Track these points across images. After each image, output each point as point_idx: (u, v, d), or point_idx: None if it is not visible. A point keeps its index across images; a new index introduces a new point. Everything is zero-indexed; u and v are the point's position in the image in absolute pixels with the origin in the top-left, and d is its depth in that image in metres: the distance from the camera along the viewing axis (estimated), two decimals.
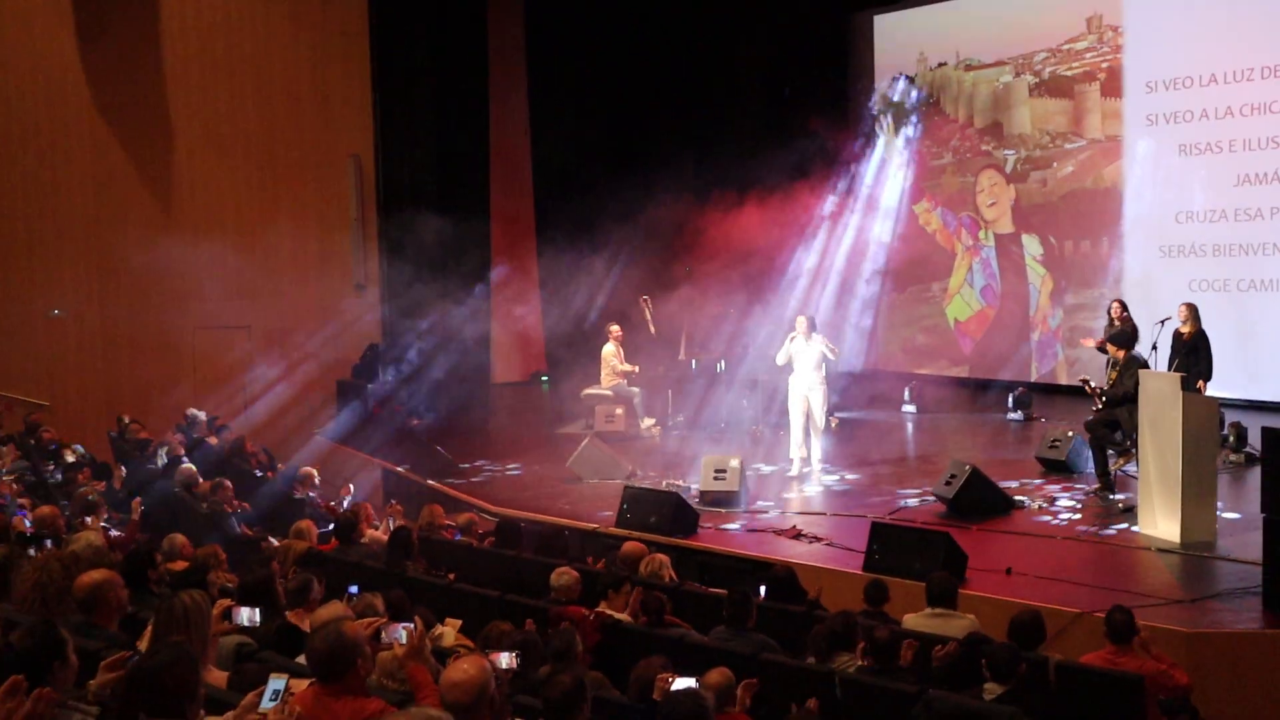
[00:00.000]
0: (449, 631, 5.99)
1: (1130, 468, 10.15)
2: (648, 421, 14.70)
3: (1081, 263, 15.80)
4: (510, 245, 17.70)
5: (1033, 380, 16.10)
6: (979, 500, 9.97)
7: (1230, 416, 11.51)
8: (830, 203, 17.32)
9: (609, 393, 14.72)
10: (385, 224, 17.50)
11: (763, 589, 7.34)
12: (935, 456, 13.03)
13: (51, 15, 17.92)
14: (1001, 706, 5.09)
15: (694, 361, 15.41)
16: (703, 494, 10.80)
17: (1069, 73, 15.69)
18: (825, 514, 10.43)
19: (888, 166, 17.67)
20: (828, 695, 5.54)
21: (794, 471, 11.76)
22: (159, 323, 16.97)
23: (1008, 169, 16.51)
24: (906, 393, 16.22)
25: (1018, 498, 10.38)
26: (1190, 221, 14.54)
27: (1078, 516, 9.62)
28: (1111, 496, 10.17)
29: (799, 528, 9.84)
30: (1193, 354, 10.91)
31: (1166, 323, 10.72)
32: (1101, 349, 10.97)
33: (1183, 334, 11.07)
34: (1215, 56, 14.15)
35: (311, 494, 11.19)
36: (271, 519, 10.42)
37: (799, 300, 16.11)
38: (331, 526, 9.29)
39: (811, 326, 11.78)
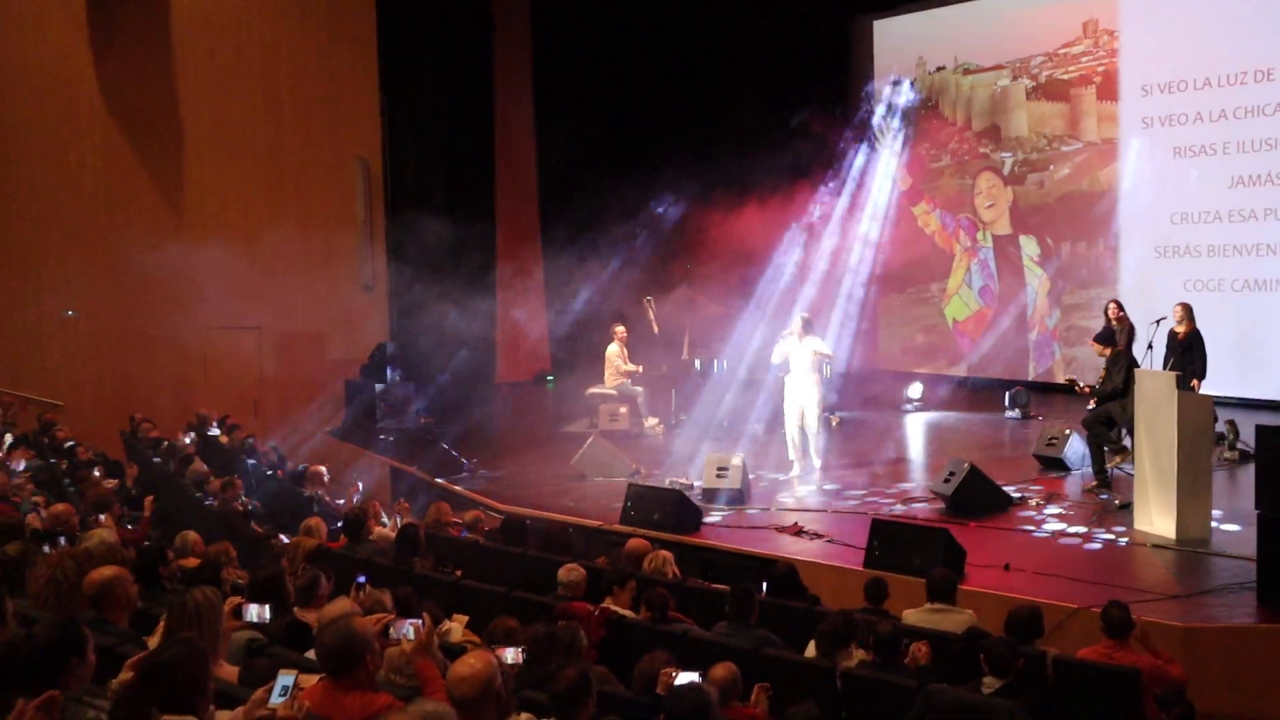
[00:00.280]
0: (456, 627, 5.99)
1: (1127, 465, 10.14)
2: (651, 420, 14.70)
3: (1078, 263, 15.79)
4: (515, 246, 17.70)
5: (1030, 379, 16.10)
6: (977, 497, 9.96)
7: (1225, 414, 11.50)
8: (830, 204, 17.31)
9: (613, 392, 14.72)
10: (392, 225, 17.51)
11: (764, 585, 7.33)
12: (934, 454, 13.04)
13: (65, 22, 17.95)
14: (1000, 700, 5.08)
15: (697, 361, 15.41)
16: (705, 491, 10.80)
17: (1065, 76, 15.68)
18: (826, 511, 10.42)
19: (887, 169, 17.66)
20: (829, 690, 5.54)
21: (794, 472, 11.74)
22: (170, 323, 16.98)
23: (1005, 171, 16.50)
24: (906, 391, 16.24)
25: (1015, 495, 10.38)
26: (1185, 223, 14.52)
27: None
28: (1108, 494, 10.17)
29: (800, 525, 9.83)
30: (1188, 353, 10.91)
31: (1162, 322, 10.71)
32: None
33: (1178, 333, 11.06)
34: (1209, 60, 14.13)
35: (320, 492, 11.20)
36: (281, 516, 10.43)
37: (798, 301, 16.08)
38: (340, 524, 9.29)
39: (807, 327, 11.74)
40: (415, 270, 16.53)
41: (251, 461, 12.87)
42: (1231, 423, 11.48)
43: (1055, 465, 11.44)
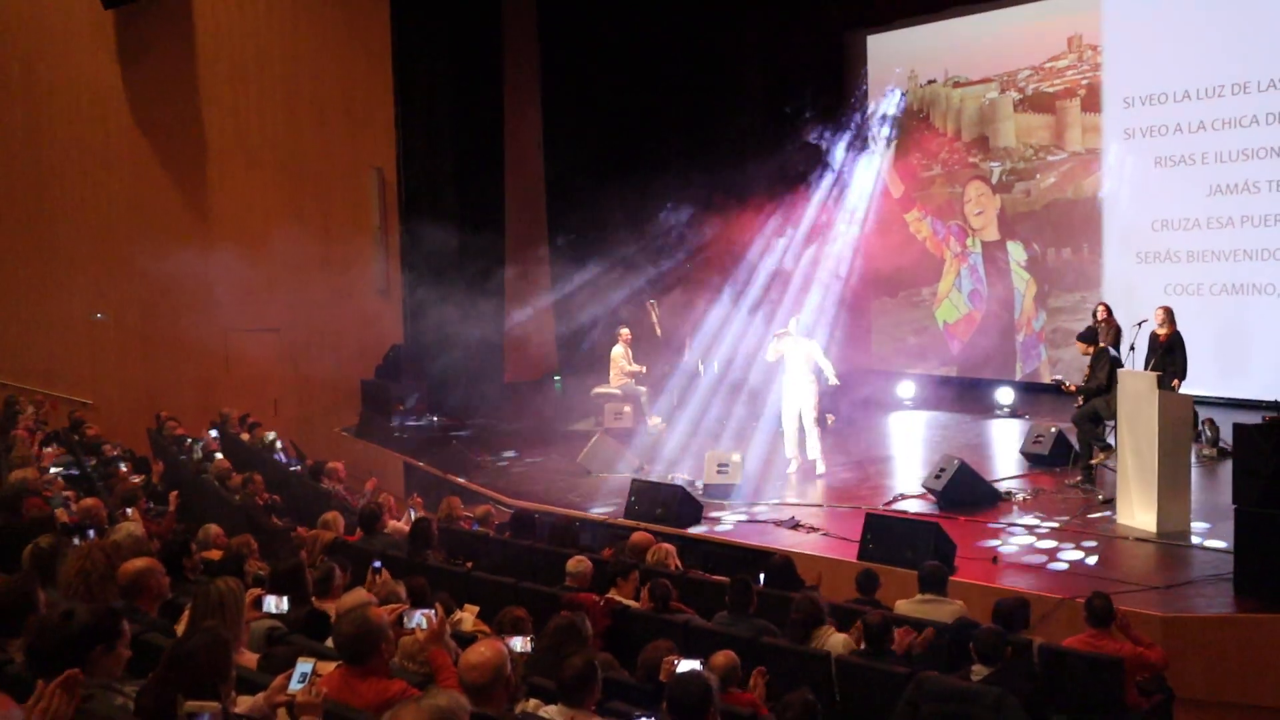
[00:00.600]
0: (467, 617, 5.99)
1: (1111, 463, 10.14)
2: (654, 419, 14.70)
3: (1063, 268, 15.77)
4: (522, 251, 17.70)
5: (1017, 379, 16.08)
6: (967, 493, 9.97)
7: (1204, 413, 11.50)
8: (825, 211, 17.30)
9: (617, 391, 14.72)
10: (406, 232, 17.53)
11: (762, 577, 7.34)
12: (925, 451, 13.03)
13: (95, 38, 18.01)
14: (988, 687, 5.08)
15: (700, 365, 15.41)
16: (706, 487, 10.81)
17: (1051, 89, 15.66)
18: (822, 506, 10.42)
19: (880, 178, 17.66)
20: (823, 676, 5.54)
21: (792, 468, 11.73)
22: (193, 325, 17.01)
23: (993, 180, 16.48)
24: (896, 390, 16.23)
25: (1003, 490, 10.38)
26: (1166, 229, 14.50)
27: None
28: (1091, 488, 10.17)
29: (797, 519, 9.84)
30: (1169, 354, 10.90)
31: (1144, 325, 10.71)
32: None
33: (1159, 335, 11.06)
34: (1189, 74, 14.12)
35: (337, 487, 11.19)
36: (300, 510, 10.43)
37: (792, 303, 16.07)
38: (356, 517, 9.29)
39: (806, 330, 11.71)
40: (427, 275, 16.55)
41: (276, 457, 12.89)
42: (1211, 421, 11.48)
43: (1041, 462, 11.44)
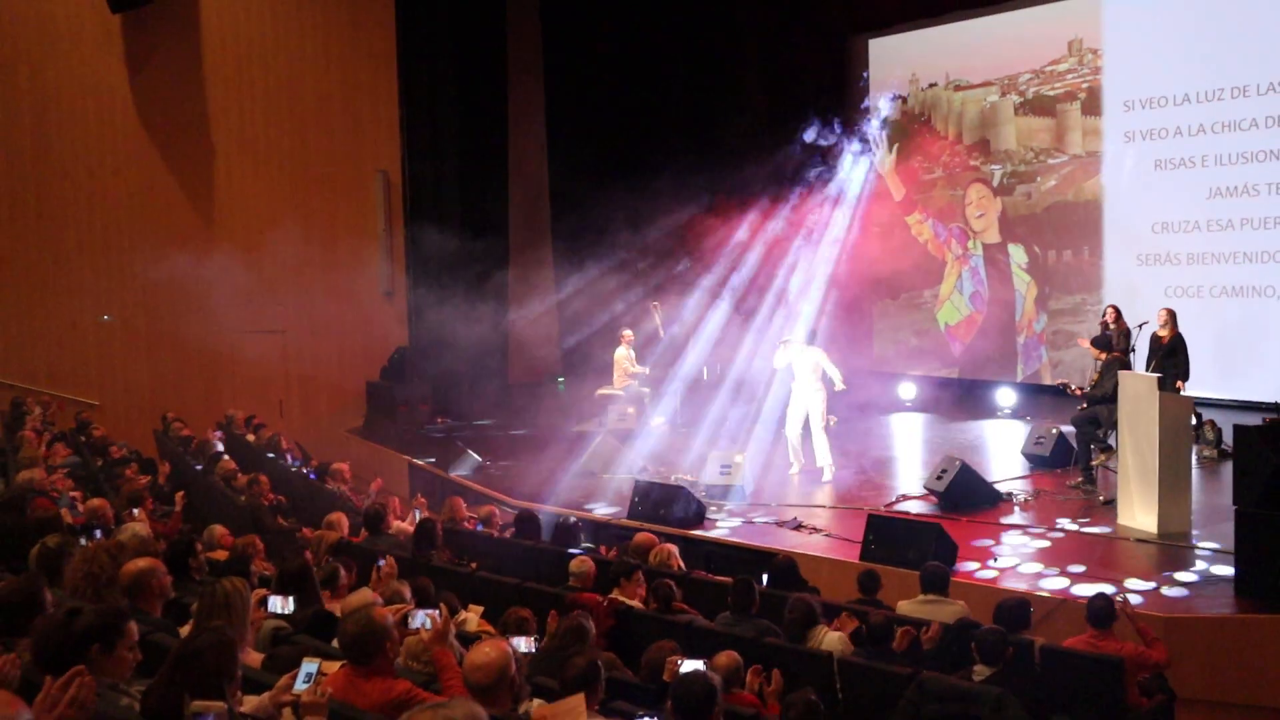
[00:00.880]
0: (472, 617, 5.99)
1: (1112, 464, 10.13)
2: (657, 420, 14.69)
3: (1064, 270, 15.75)
4: (526, 254, 17.71)
5: (1018, 381, 16.06)
6: (968, 493, 9.95)
7: (1205, 415, 11.49)
8: (827, 214, 17.28)
9: (621, 393, 14.71)
10: (411, 235, 17.54)
11: (765, 577, 7.33)
12: (927, 453, 13.02)
13: (102, 41, 18.02)
14: (990, 687, 5.07)
15: (704, 367, 15.39)
16: (709, 488, 10.79)
17: (1051, 93, 15.65)
18: (824, 507, 10.41)
19: (882, 181, 17.66)
20: (825, 676, 5.53)
21: (794, 470, 11.72)
22: (200, 327, 17.00)
23: (995, 183, 16.47)
24: (899, 392, 16.21)
25: (1005, 491, 10.36)
26: (1166, 232, 14.48)
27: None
28: (1092, 489, 10.15)
29: (799, 519, 9.83)
30: (1171, 356, 10.85)
31: (1144, 327, 10.68)
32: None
33: (1161, 337, 11.01)
34: (1189, 77, 14.11)
35: (342, 488, 11.19)
36: (305, 511, 10.43)
37: (797, 306, 16.06)
38: (361, 518, 9.29)
39: (811, 337, 11.67)
40: (432, 277, 16.55)
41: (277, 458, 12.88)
42: (1211, 423, 11.45)
43: (1042, 463, 11.42)
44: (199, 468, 11.88)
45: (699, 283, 16.52)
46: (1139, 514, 8.91)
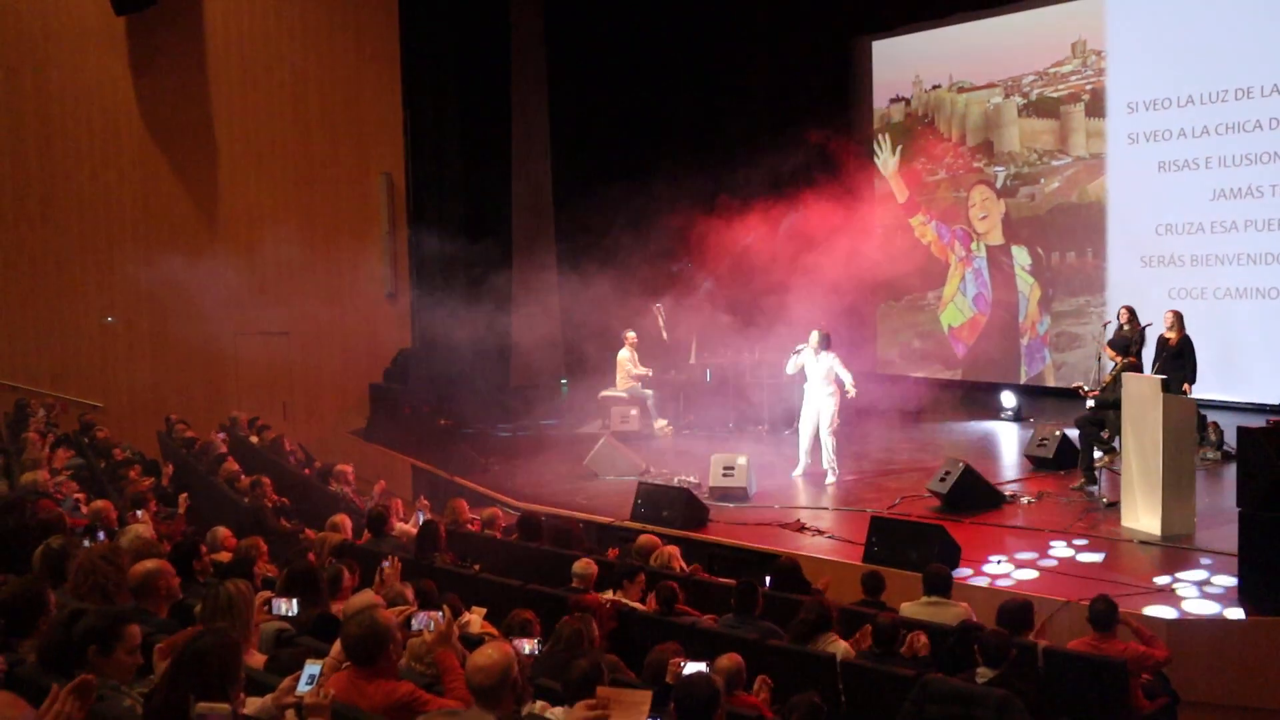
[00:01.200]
0: (475, 619, 5.99)
1: (1115, 465, 10.11)
2: (660, 422, 14.70)
3: (1067, 272, 15.74)
4: (529, 256, 17.72)
5: (1022, 382, 16.04)
6: (971, 495, 9.94)
7: (1208, 417, 11.46)
8: (831, 215, 17.25)
9: (624, 395, 14.72)
10: (414, 237, 17.56)
11: (768, 579, 7.33)
12: (930, 455, 13.00)
13: (107, 44, 18.06)
14: (992, 689, 5.07)
15: (708, 372, 15.39)
16: (712, 490, 10.79)
17: (1055, 94, 15.64)
18: (827, 508, 10.41)
19: (886, 183, 17.66)
20: (829, 679, 5.53)
21: (797, 471, 11.71)
22: (203, 329, 17.01)
23: (998, 185, 16.46)
24: (903, 394, 16.18)
25: (1008, 493, 10.35)
26: (1169, 233, 14.47)
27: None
28: (1095, 490, 10.14)
29: (802, 521, 9.82)
30: (1178, 358, 10.79)
31: (1149, 328, 10.66)
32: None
33: (1168, 339, 10.95)
34: (1192, 79, 14.09)
35: (345, 489, 11.21)
36: (308, 513, 10.44)
37: (801, 309, 16.03)
38: (364, 520, 9.29)
39: (824, 343, 11.61)
40: (435, 279, 16.56)
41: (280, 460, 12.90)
42: (1215, 424, 11.44)
43: (1045, 465, 11.41)
44: (202, 470, 11.90)
45: (702, 284, 16.51)
46: (1142, 516, 8.90)
